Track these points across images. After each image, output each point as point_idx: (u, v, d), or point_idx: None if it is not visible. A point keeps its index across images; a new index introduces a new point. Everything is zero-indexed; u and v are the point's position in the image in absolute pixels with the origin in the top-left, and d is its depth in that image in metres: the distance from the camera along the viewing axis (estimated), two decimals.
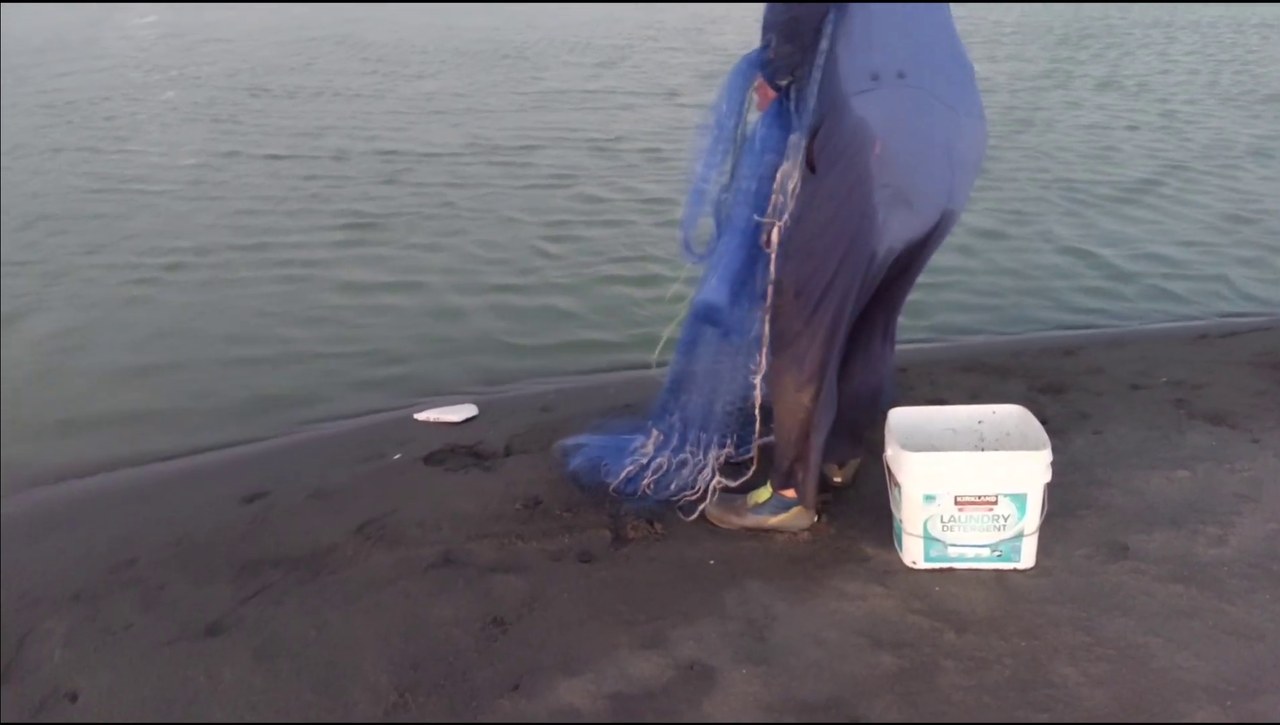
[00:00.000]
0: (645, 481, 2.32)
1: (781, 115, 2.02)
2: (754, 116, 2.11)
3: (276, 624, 2.01)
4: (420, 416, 3.22)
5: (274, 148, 7.10)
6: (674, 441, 2.34)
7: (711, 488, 2.28)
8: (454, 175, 6.27)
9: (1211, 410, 2.67)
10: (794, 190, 1.96)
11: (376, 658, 1.87)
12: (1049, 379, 3.00)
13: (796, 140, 1.95)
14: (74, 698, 1.85)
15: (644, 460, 2.34)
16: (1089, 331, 3.83)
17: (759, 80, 2.05)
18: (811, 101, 1.89)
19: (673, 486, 2.31)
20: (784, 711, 1.66)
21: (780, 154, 2.00)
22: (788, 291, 2.01)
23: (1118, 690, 1.66)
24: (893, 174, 1.86)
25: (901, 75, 1.85)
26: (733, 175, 2.13)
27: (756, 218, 2.05)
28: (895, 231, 1.92)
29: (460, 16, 15.15)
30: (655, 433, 2.37)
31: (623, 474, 2.35)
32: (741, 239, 2.09)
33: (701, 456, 2.31)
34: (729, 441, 2.36)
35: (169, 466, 3.15)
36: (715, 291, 2.12)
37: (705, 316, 2.19)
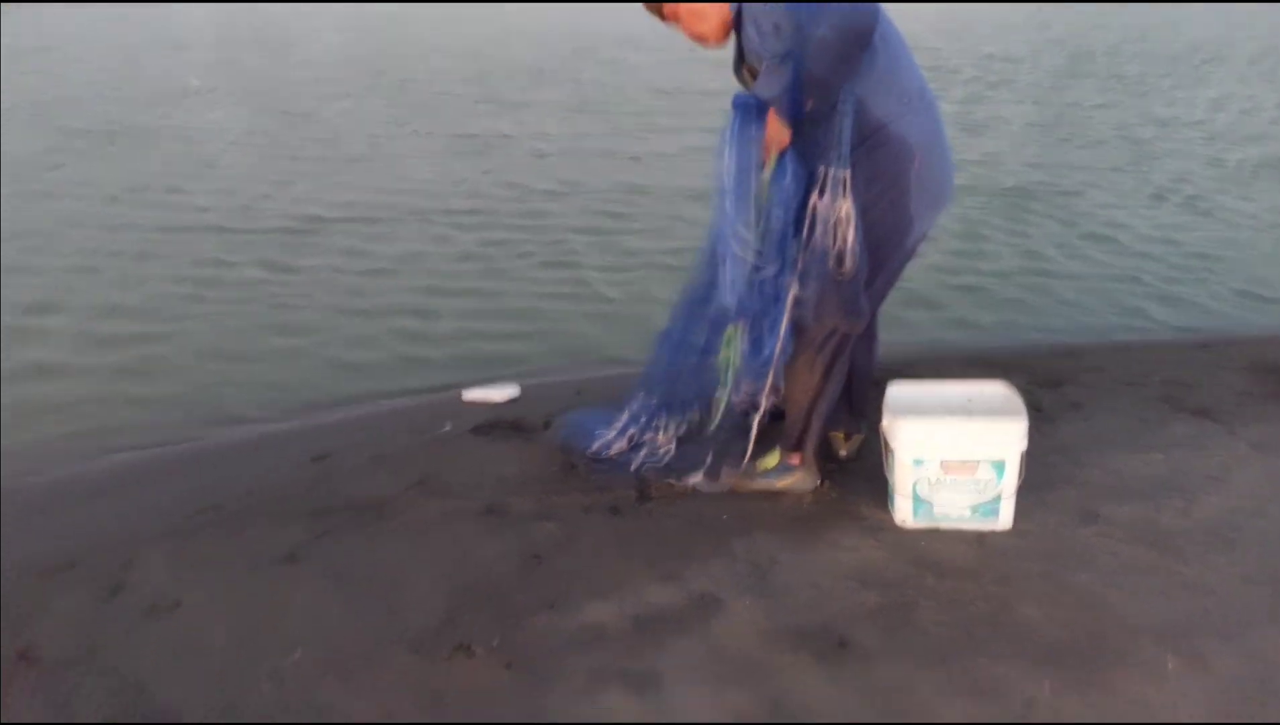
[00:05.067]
0: (617, 447, 2.60)
1: (795, 165, 2.18)
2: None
3: (344, 556, 2.32)
4: (467, 396, 3.54)
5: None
6: (641, 420, 2.60)
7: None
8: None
9: (1197, 405, 2.88)
10: (847, 218, 2.15)
11: (430, 583, 2.18)
12: (1049, 375, 3.23)
13: (836, 174, 2.13)
14: (177, 604, 2.17)
15: (611, 434, 2.62)
16: (1096, 338, 4.03)
17: (774, 130, 2.16)
18: (848, 134, 2.11)
19: (640, 455, 2.58)
20: (780, 634, 1.93)
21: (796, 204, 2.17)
22: (829, 305, 2.24)
23: (1075, 630, 1.90)
24: (930, 182, 2.20)
25: (921, 94, 2.17)
26: (764, 230, 2.23)
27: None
28: (922, 229, 2.26)
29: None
30: (627, 412, 2.64)
31: (596, 444, 2.63)
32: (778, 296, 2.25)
33: (659, 436, 2.59)
34: (684, 425, 2.62)
35: (241, 434, 3.49)
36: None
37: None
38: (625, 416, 2.63)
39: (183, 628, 2.09)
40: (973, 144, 7.33)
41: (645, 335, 3.88)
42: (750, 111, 2.16)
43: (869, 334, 2.49)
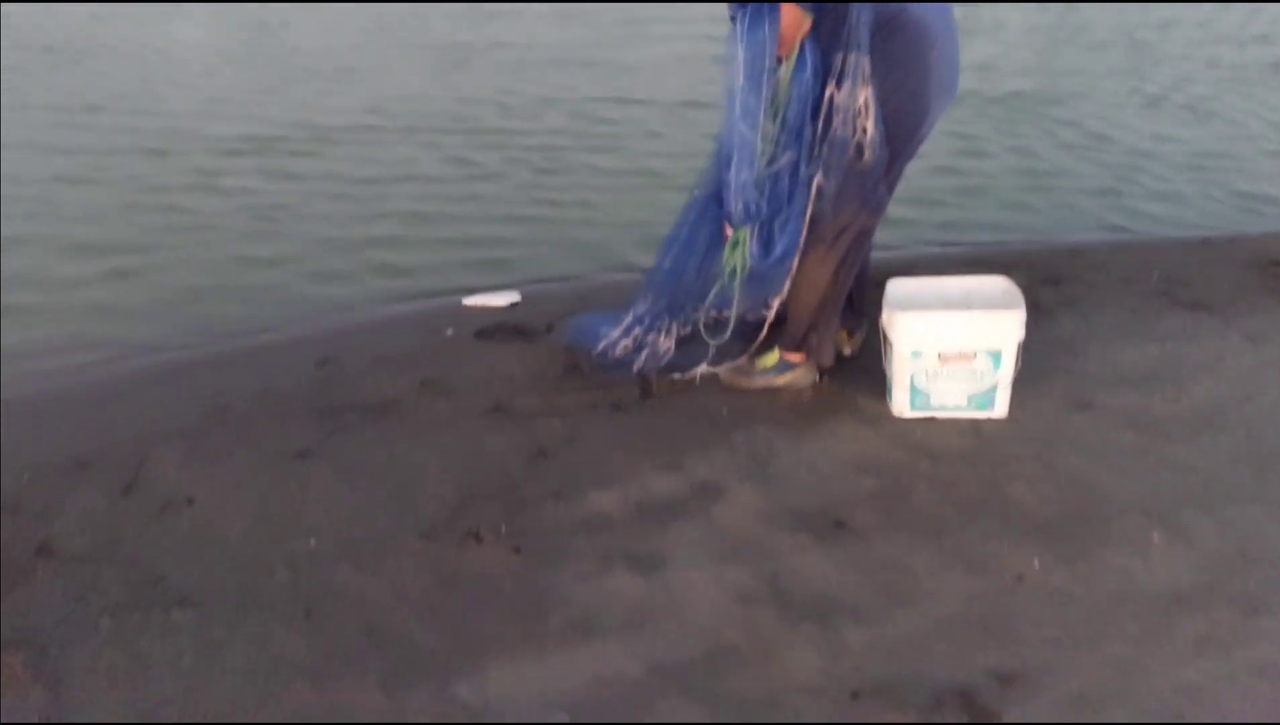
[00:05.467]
0: (622, 346, 2.62)
1: (814, 56, 2.14)
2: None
3: (355, 452, 2.37)
4: (468, 302, 3.54)
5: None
6: (646, 321, 2.61)
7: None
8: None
9: (1193, 299, 2.91)
10: (866, 106, 2.12)
11: (440, 476, 2.23)
12: (1050, 273, 3.24)
13: (855, 61, 2.10)
14: (190, 502, 2.23)
15: (616, 334, 2.63)
16: (1098, 238, 4.01)
17: (791, 24, 2.11)
18: (867, 19, 2.07)
19: (642, 356, 2.61)
20: (779, 516, 1.99)
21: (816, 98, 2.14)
22: (849, 197, 2.24)
23: (1062, 506, 1.97)
24: (946, 68, 2.17)
25: None
26: (781, 126, 2.20)
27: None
28: (934, 118, 2.23)
29: None
30: (632, 313, 2.64)
31: (602, 343, 2.65)
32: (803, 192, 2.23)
33: (661, 337, 2.61)
34: (688, 326, 2.65)
35: (244, 341, 3.50)
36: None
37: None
38: (630, 317, 2.64)
39: (198, 521, 2.15)
40: (971, 49, 7.08)
41: (621, 259, 3.85)
42: (760, 10, 2.10)
43: None
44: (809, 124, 2.19)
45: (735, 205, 2.28)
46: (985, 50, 7.17)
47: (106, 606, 1.90)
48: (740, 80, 2.15)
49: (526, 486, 2.17)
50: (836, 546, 1.91)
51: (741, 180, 2.24)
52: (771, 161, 2.23)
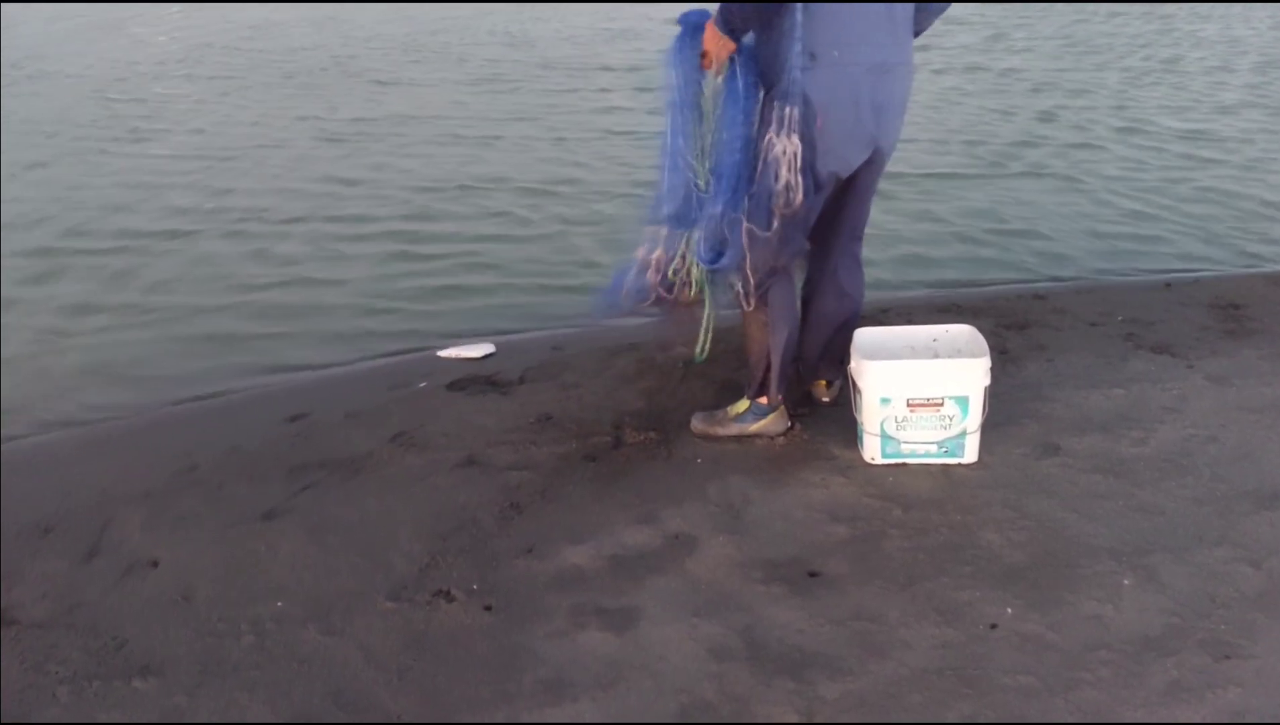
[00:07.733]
0: (652, 280, 2.38)
1: (746, 75, 2.21)
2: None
3: (324, 510, 2.34)
4: (442, 354, 3.54)
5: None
6: (661, 243, 2.39)
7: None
8: None
9: (1156, 342, 2.96)
10: (794, 155, 2.17)
11: (411, 532, 2.21)
12: (1016, 318, 3.29)
13: (783, 111, 2.16)
14: (155, 564, 2.19)
15: (641, 260, 2.40)
16: (1062, 282, 4.08)
17: (711, 41, 2.19)
18: (796, 75, 2.14)
19: (672, 282, 2.38)
20: (753, 567, 1.98)
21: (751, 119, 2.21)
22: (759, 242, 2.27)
23: (1033, 551, 1.97)
24: (830, 139, 2.20)
25: (837, 54, 2.15)
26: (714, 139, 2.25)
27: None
28: (829, 170, 2.26)
29: None
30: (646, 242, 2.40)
31: (630, 276, 2.40)
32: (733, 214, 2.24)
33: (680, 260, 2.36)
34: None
35: (214, 398, 3.47)
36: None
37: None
38: (644, 246, 2.38)
39: (162, 585, 2.11)
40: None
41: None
42: (699, 30, 2.20)
43: (843, 288, 2.52)
44: (748, 147, 2.23)
45: (664, 209, 2.31)
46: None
47: (65, 676, 1.85)
48: (674, 94, 2.25)
49: (498, 541, 2.15)
50: (810, 597, 1.90)
51: (670, 186, 2.28)
52: (718, 176, 2.25)
